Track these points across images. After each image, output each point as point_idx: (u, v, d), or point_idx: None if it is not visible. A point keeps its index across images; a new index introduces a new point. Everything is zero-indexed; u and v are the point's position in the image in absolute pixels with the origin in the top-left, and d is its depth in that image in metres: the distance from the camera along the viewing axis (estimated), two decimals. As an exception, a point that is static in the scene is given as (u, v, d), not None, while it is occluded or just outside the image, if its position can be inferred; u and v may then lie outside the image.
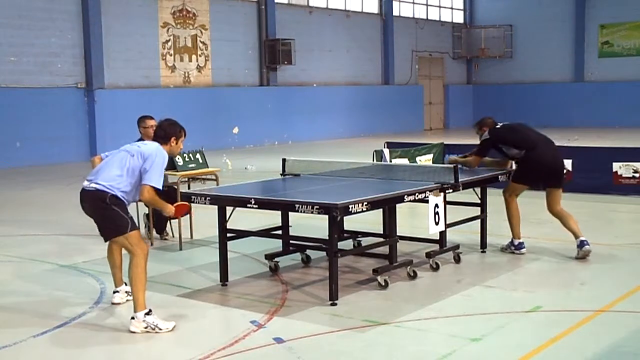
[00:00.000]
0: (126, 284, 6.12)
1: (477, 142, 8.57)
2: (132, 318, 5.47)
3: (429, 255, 7.16)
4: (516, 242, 7.93)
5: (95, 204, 5.65)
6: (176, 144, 5.95)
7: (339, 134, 27.19)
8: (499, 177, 7.97)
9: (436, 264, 7.13)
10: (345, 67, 28.46)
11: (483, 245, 7.92)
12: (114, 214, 5.60)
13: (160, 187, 5.71)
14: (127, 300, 6.08)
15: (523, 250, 7.87)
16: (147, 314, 5.45)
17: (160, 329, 5.42)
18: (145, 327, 5.41)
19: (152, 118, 8.82)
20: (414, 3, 32.06)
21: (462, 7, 34.83)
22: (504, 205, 8.07)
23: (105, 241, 5.95)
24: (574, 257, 7.59)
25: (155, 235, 8.80)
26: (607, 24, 31.46)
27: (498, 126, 8.12)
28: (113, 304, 6.13)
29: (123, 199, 5.66)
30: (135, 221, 5.82)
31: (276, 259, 7.19)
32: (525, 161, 7.94)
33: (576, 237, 7.69)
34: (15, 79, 18.84)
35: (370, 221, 8.46)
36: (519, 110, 32.09)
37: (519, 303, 6.03)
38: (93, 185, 5.65)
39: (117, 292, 6.19)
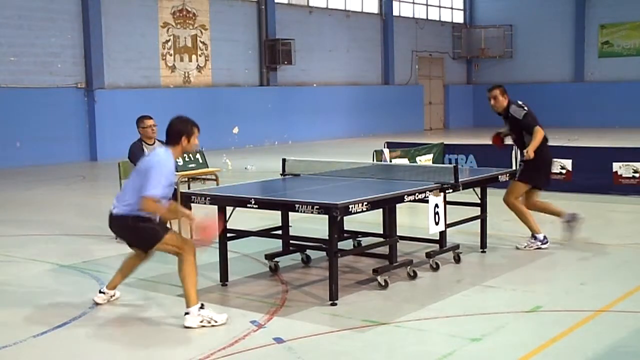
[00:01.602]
0: (115, 292, 6.17)
1: (477, 141, 8.59)
2: (186, 314, 5.48)
3: (429, 255, 7.15)
4: (540, 236, 8.03)
5: (121, 228, 5.78)
6: (188, 142, 5.73)
7: (339, 134, 27.19)
8: (499, 177, 7.96)
9: (436, 264, 7.13)
10: (345, 67, 28.46)
11: (483, 245, 7.92)
12: (140, 231, 5.68)
13: (160, 195, 5.55)
14: (109, 301, 6.12)
15: (548, 244, 8.00)
16: (201, 308, 5.50)
17: (216, 322, 5.46)
18: (201, 321, 5.44)
19: (150, 118, 8.83)
20: (414, 3, 32.07)
21: (462, 7, 34.84)
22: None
23: (146, 252, 5.97)
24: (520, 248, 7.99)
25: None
26: (607, 24, 31.46)
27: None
28: (95, 303, 6.07)
29: (146, 215, 5.64)
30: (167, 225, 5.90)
31: (276, 259, 7.19)
32: (535, 159, 7.94)
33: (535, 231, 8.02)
34: (15, 79, 18.85)
35: (370, 221, 8.46)
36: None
37: (519, 303, 6.03)
38: (115, 210, 5.72)
39: (103, 292, 6.13)
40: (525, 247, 8.03)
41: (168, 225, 5.79)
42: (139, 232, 5.70)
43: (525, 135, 8.09)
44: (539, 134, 8.01)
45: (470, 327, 5.43)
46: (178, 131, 5.70)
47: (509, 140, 8.55)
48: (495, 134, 8.57)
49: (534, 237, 8.05)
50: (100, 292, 6.16)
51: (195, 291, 5.56)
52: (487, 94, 8.28)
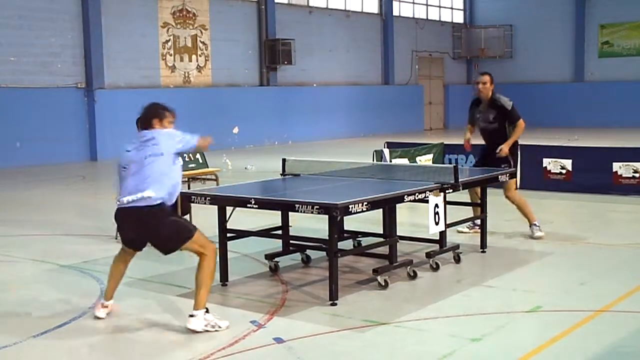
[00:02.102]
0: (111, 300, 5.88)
1: (477, 141, 8.63)
2: (192, 316, 5.38)
3: (429, 255, 7.15)
4: (538, 222, 8.37)
5: (144, 223, 5.50)
6: (161, 124, 5.65)
7: (339, 134, 27.19)
8: (499, 177, 7.96)
9: (436, 264, 7.13)
10: (345, 67, 28.46)
11: (483, 245, 7.92)
12: (169, 226, 5.50)
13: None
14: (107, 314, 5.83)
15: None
16: (206, 312, 5.44)
17: (220, 327, 5.39)
18: (206, 325, 5.38)
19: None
20: (414, 3, 32.07)
21: (462, 7, 34.84)
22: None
23: (166, 253, 5.69)
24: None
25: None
26: (607, 24, 31.46)
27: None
28: (97, 317, 5.73)
29: (171, 206, 5.55)
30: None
31: (276, 259, 7.19)
32: (513, 151, 8.38)
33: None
34: (15, 79, 18.85)
35: (370, 221, 8.45)
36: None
37: (519, 303, 6.03)
38: (134, 202, 5.43)
39: (106, 307, 5.79)
40: (537, 236, 8.33)
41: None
42: (168, 227, 5.47)
43: (507, 127, 8.29)
44: (521, 128, 8.40)
45: (470, 327, 5.43)
46: (149, 115, 5.69)
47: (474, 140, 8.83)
48: (466, 140, 8.74)
49: (535, 224, 8.38)
50: (103, 306, 5.79)
51: (207, 296, 5.48)
52: (479, 77, 8.43)
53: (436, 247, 7.36)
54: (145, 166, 5.44)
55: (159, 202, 5.42)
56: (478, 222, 8.23)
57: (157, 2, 22.14)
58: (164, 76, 22.38)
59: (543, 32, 32.80)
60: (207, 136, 5.80)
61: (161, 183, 5.43)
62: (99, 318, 5.74)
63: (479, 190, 8.17)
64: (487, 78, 8.40)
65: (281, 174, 8.00)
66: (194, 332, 5.37)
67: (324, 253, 6.77)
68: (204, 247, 5.49)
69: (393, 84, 30.49)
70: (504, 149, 8.28)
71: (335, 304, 5.97)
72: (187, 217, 8.66)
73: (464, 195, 7.70)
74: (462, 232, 8.50)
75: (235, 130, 23.98)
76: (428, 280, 6.84)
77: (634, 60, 30.94)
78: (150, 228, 5.46)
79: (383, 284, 6.46)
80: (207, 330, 5.36)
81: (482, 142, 8.86)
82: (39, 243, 8.91)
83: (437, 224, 6.80)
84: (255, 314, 5.79)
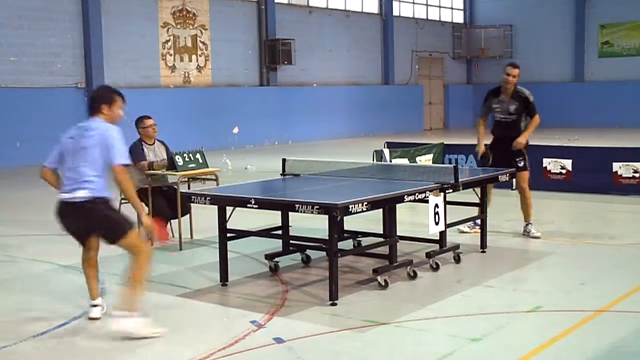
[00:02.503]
0: (102, 296, 5.87)
1: (475, 141, 8.66)
2: (122, 317, 5.24)
3: (429, 255, 7.15)
4: (531, 221, 8.57)
5: (86, 215, 5.43)
6: (110, 110, 5.51)
7: (339, 134, 27.19)
8: (499, 177, 7.96)
9: (436, 264, 7.13)
10: (345, 67, 28.45)
11: (483, 245, 7.92)
12: (110, 219, 5.44)
13: (126, 162, 5.45)
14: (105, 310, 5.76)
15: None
16: (139, 316, 5.28)
17: (145, 336, 5.23)
18: (131, 329, 5.23)
19: (149, 117, 8.86)
20: (414, 3, 32.06)
21: (462, 7, 34.83)
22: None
23: (112, 243, 5.55)
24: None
25: (155, 235, 8.78)
26: (607, 24, 31.45)
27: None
28: (92, 319, 5.69)
29: (111, 198, 5.49)
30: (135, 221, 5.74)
31: (276, 259, 7.19)
32: (527, 142, 8.62)
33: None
34: (15, 79, 18.84)
35: (370, 221, 8.46)
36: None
37: (519, 303, 6.03)
38: (73, 195, 5.38)
39: (96, 305, 5.75)
40: (535, 235, 8.44)
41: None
42: (109, 219, 5.40)
43: (523, 119, 8.49)
44: (537, 122, 8.57)
45: (470, 327, 5.43)
46: (97, 99, 5.55)
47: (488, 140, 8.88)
48: (483, 152, 8.79)
49: (530, 224, 8.53)
50: (93, 306, 5.74)
51: (139, 299, 5.32)
52: (509, 69, 8.46)
53: (436, 247, 7.36)
54: (79, 158, 5.40)
55: (95, 196, 5.37)
56: (478, 222, 8.26)
57: (157, 2, 22.14)
58: (164, 76, 22.38)
59: (543, 32, 32.79)
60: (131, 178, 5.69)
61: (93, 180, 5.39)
62: (95, 319, 5.70)
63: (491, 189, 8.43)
64: (517, 71, 8.51)
65: (281, 174, 8.00)
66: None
67: (324, 253, 6.77)
68: (140, 247, 5.41)
69: (393, 84, 30.48)
70: (522, 141, 8.44)
71: (335, 304, 5.97)
72: (186, 217, 8.66)
73: (464, 195, 7.69)
74: (463, 232, 8.51)
75: (235, 130, 24.07)
76: (428, 280, 6.84)
77: (634, 60, 30.93)
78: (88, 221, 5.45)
79: (383, 284, 6.47)
80: (131, 334, 5.20)
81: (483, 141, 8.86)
82: (39, 243, 8.91)
83: (437, 224, 6.80)
84: (255, 314, 5.79)
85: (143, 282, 5.44)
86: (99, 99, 5.55)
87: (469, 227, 8.57)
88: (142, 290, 5.44)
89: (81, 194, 5.36)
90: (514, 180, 8.52)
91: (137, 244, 5.43)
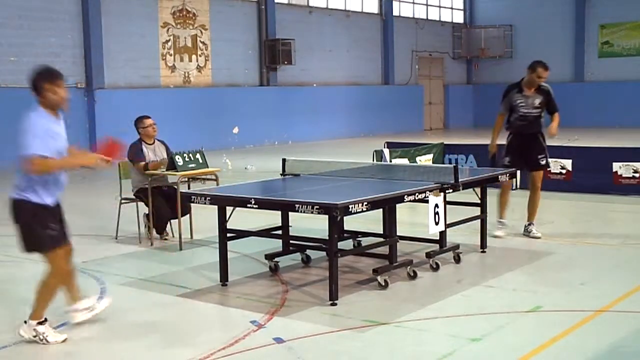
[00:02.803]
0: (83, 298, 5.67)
1: (477, 141, 8.63)
2: (25, 322, 5.28)
3: (429, 255, 7.15)
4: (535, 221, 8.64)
5: (14, 218, 5.26)
6: (51, 89, 5.12)
7: (339, 134, 27.19)
8: (499, 177, 7.96)
9: (436, 264, 7.13)
10: (345, 67, 28.45)
11: (483, 245, 7.92)
12: (30, 230, 5.22)
13: (38, 152, 5.07)
14: (92, 311, 5.65)
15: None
16: (41, 323, 5.25)
17: (48, 341, 5.21)
18: (35, 336, 5.22)
19: (149, 117, 8.89)
20: (414, 3, 32.06)
21: (462, 7, 34.83)
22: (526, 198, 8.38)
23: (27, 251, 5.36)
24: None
25: (155, 235, 8.80)
26: (607, 24, 31.46)
27: None
28: (77, 323, 5.61)
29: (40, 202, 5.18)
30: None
31: (276, 259, 7.19)
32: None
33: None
34: (15, 79, 18.82)
35: (370, 221, 8.46)
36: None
37: (519, 303, 6.03)
38: (13, 194, 5.22)
39: (75, 310, 5.60)
40: (537, 235, 8.48)
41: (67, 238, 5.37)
42: (30, 229, 5.16)
43: (542, 115, 8.70)
44: (559, 114, 8.88)
45: (470, 327, 5.43)
46: (36, 81, 5.14)
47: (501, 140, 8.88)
48: (493, 152, 8.83)
49: (532, 224, 8.62)
50: (73, 310, 5.61)
51: (45, 309, 5.27)
52: (542, 72, 8.54)
53: (436, 247, 7.36)
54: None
55: (22, 197, 5.17)
56: (503, 221, 8.54)
57: (157, 2, 22.14)
58: (164, 76, 22.38)
59: (543, 32, 32.78)
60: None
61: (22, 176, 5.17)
62: (78, 323, 5.60)
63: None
64: (548, 73, 8.54)
65: (281, 174, 8.00)
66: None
67: (324, 253, 6.77)
68: (58, 268, 5.28)
69: (393, 84, 30.48)
70: (556, 126, 8.70)
71: (335, 304, 5.97)
72: (186, 217, 8.66)
73: (464, 196, 7.69)
74: (497, 237, 8.47)
75: (235, 130, 24.07)
76: (428, 280, 6.84)
77: (634, 60, 30.92)
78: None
79: (383, 284, 6.47)
80: (36, 341, 5.20)
81: (483, 141, 8.87)
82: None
83: (437, 224, 6.79)
84: (255, 314, 5.79)
85: (53, 297, 5.35)
86: (39, 80, 5.17)
87: (499, 229, 8.60)
88: (49, 303, 5.34)
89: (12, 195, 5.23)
90: (513, 180, 8.52)
91: (59, 265, 5.29)
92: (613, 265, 7.33)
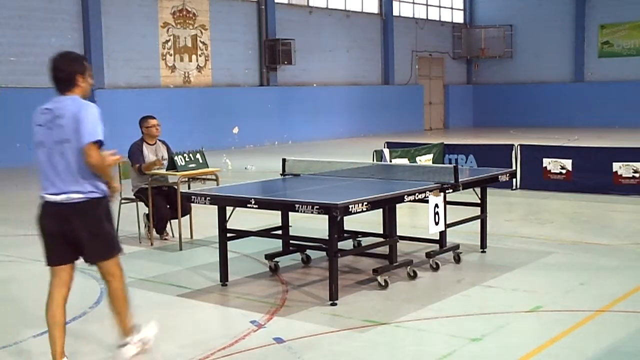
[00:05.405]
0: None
1: (477, 141, 8.62)
2: (125, 344, 4.82)
3: (429, 255, 7.15)
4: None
5: (77, 220, 4.53)
6: (84, 80, 4.65)
7: (339, 134, 27.19)
8: (499, 177, 7.96)
9: (436, 264, 7.13)
10: (345, 67, 28.46)
11: (483, 245, 7.92)
12: (104, 230, 4.55)
13: (101, 139, 4.47)
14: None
15: None
16: (133, 332, 4.93)
17: (151, 339, 4.96)
18: (143, 345, 4.93)
19: (154, 117, 8.88)
20: (414, 3, 32.06)
21: (462, 7, 34.84)
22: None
23: (93, 263, 4.74)
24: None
25: (155, 236, 8.80)
26: (607, 24, 31.46)
27: None
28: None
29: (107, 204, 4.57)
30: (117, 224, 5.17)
31: (276, 259, 7.19)
32: None
33: None
34: (15, 79, 18.84)
35: (370, 221, 8.46)
36: (519, 110, 32.13)
37: (519, 303, 6.03)
38: (65, 196, 4.49)
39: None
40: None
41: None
42: (103, 230, 4.48)
43: None
44: None
45: (470, 327, 5.43)
46: (71, 72, 4.68)
47: None
48: None
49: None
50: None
51: (129, 318, 4.83)
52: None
53: (436, 247, 7.36)
54: (55, 156, 4.47)
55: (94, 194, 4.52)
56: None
57: (157, 2, 22.14)
58: (164, 76, 22.38)
59: (543, 32, 32.79)
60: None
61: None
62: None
63: None
64: None
65: (281, 174, 8.00)
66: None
67: (324, 253, 6.78)
68: (118, 272, 4.70)
69: (393, 84, 30.49)
70: None
71: (335, 304, 5.97)
72: (186, 217, 8.67)
73: (464, 196, 7.69)
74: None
75: (235, 130, 24.07)
76: (428, 280, 6.84)
77: (634, 60, 30.93)
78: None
79: (383, 284, 6.47)
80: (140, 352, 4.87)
81: (483, 141, 8.86)
82: (39, 243, 8.88)
83: (437, 224, 6.79)
84: (255, 314, 5.79)
85: (128, 302, 4.89)
86: (74, 71, 4.70)
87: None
88: (129, 309, 4.90)
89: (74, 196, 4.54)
90: (513, 180, 8.51)
91: (119, 268, 4.74)
92: (613, 265, 7.33)
